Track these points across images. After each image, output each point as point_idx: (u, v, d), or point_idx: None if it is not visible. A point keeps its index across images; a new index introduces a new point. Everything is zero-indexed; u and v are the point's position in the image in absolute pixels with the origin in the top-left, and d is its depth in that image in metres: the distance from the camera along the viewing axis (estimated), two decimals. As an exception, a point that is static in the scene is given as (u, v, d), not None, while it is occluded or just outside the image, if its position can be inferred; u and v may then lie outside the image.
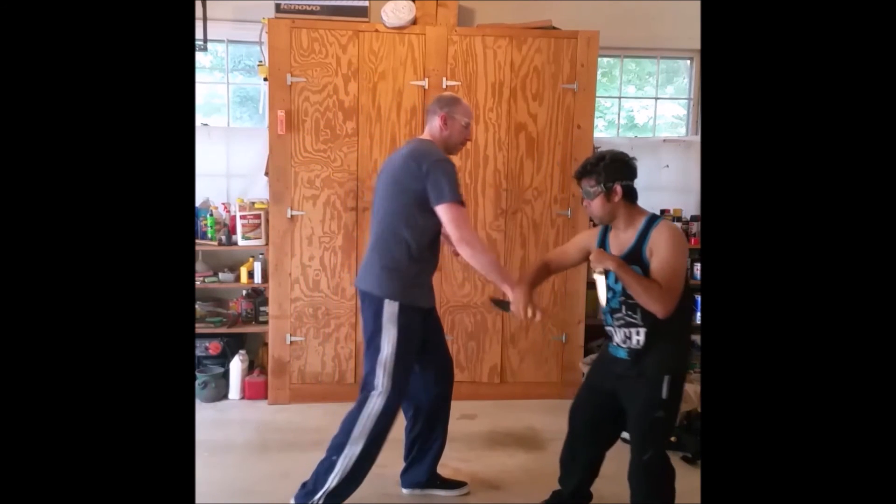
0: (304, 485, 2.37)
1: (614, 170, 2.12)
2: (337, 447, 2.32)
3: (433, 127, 2.43)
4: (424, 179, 2.24)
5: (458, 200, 2.27)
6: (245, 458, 2.98)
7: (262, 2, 3.58)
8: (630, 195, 2.16)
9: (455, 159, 2.44)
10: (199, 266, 3.80)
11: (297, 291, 3.54)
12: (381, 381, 2.30)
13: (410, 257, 2.32)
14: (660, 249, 2.06)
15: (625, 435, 3.11)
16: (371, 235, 2.42)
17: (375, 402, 2.31)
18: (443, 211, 2.25)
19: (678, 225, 4.13)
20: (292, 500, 2.37)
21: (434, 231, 2.36)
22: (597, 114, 3.90)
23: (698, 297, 4.14)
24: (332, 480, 2.29)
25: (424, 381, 2.51)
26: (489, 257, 2.33)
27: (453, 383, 2.61)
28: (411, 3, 3.49)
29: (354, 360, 3.60)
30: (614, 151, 2.18)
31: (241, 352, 3.77)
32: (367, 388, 2.33)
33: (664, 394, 2.08)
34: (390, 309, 2.30)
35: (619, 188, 2.12)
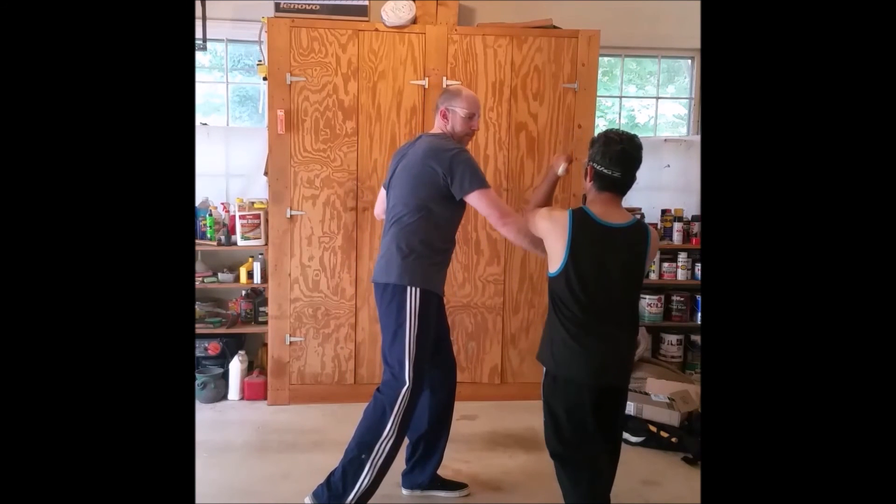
0: (326, 486, 2.33)
1: (593, 151, 2.01)
2: (366, 445, 2.30)
3: (438, 123, 2.45)
4: (447, 175, 2.27)
5: (486, 185, 2.30)
6: (244, 458, 2.97)
7: (262, 1, 3.57)
8: (602, 182, 2.00)
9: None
10: (199, 266, 3.79)
11: (296, 292, 3.54)
12: (409, 374, 2.30)
13: (431, 247, 2.34)
14: None
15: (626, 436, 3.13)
16: (387, 232, 2.41)
17: (405, 399, 2.30)
18: (475, 199, 2.28)
19: (679, 225, 4.13)
20: (308, 500, 2.35)
21: (455, 223, 2.43)
22: (598, 113, 3.89)
23: (699, 297, 4.15)
24: (364, 479, 2.29)
25: (432, 380, 2.50)
26: (532, 237, 2.27)
27: (456, 383, 2.61)
28: (411, 2, 3.48)
29: (354, 360, 3.59)
30: (609, 133, 2.02)
31: (241, 352, 3.76)
32: (395, 385, 2.31)
33: (543, 386, 2.07)
34: (413, 296, 2.30)
35: (589, 170, 2.01)
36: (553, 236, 2.00)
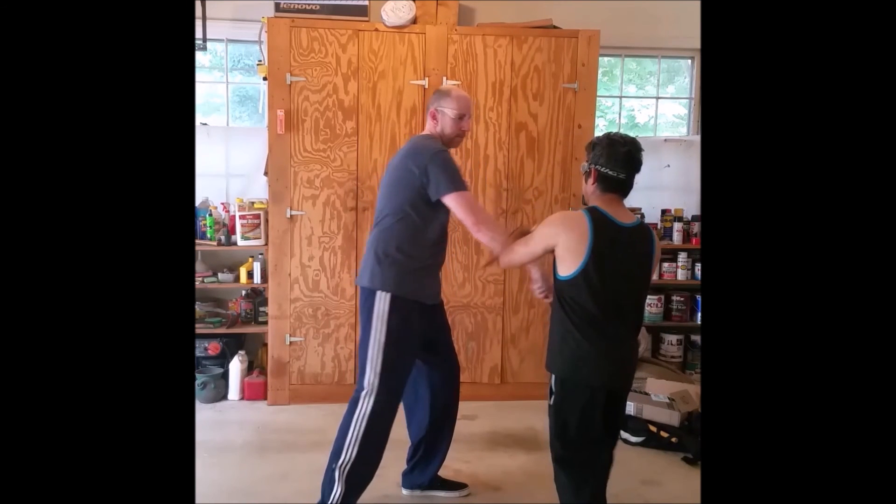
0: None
1: (597, 154, 1.99)
2: (335, 454, 2.28)
3: (427, 124, 2.42)
4: (423, 176, 2.21)
5: (462, 188, 2.23)
6: (244, 458, 2.97)
7: (262, 1, 3.57)
8: (607, 184, 2.00)
9: (455, 158, 2.39)
10: (199, 266, 3.79)
11: (296, 292, 3.54)
12: (370, 379, 2.25)
13: (407, 251, 2.27)
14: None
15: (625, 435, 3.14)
16: (370, 233, 2.39)
17: (365, 403, 2.26)
18: (450, 202, 2.22)
19: (679, 225, 4.13)
20: None
21: (438, 226, 2.34)
22: (598, 113, 3.89)
23: (699, 297, 4.15)
24: (336, 490, 2.25)
25: (432, 382, 2.48)
26: (506, 240, 2.20)
27: (459, 385, 2.58)
28: (411, 2, 3.48)
29: (354, 360, 3.59)
30: (613, 136, 2.02)
31: (241, 352, 3.76)
32: (358, 389, 2.28)
33: (550, 392, 2.02)
34: (382, 301, 2.25)
35: (593, 171, 2.00)
36: (570, 238, 1.93)
